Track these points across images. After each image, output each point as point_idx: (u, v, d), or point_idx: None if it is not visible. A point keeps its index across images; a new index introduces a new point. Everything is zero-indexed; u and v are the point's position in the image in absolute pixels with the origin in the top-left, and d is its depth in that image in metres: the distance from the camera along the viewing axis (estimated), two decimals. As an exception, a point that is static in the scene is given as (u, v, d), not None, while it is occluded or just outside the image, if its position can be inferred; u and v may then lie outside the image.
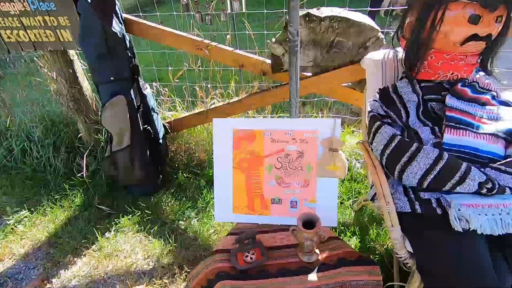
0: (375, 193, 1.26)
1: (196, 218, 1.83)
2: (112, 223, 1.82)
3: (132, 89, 1.81)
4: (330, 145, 1.22)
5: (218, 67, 1.94)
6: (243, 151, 1.28)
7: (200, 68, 1.89)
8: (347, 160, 1.21)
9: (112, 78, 1.70)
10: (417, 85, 1.27)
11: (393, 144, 1.12)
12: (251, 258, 1.15)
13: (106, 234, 1.76)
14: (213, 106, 1.92)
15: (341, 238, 1.23)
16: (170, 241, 1.68)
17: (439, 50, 1.17)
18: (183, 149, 2.11)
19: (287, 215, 1.29)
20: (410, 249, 1.07)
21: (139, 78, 1.83)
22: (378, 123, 1.18)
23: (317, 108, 2.44)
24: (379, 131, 1.17)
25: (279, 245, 1.22)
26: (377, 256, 1.49)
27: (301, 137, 1.24)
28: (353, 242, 1.55)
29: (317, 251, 1.16)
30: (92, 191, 2.01)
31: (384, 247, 1.54)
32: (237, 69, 1.86)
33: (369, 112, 1.24)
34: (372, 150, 1.24)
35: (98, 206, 1.92)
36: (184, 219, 1.83)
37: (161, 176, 2.06)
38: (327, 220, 1.27)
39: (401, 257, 1.09)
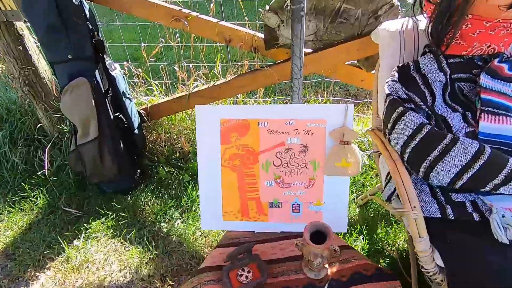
0: (393, 193, 1.06)
1: (180, 219, 1.60)
2: (82, 228, 1.56)
3: (97, 70, 1.50)
4: (341, 137, 1.00)
5: (201, 43, 1.64)
6: (234, 145, 1.04)
7: (179, 44, 1.59)
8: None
9: (70, 57, 1.39)
10: (444, 62, 1.05)
11: (421, 135, 0.90)
12: (246, 277, 0.94)
13: (75, 241, 1.51)
14: (196, 89, 1.65)
15: (353, 247, 1.03)
16: (151, 248, 1.45)
17: (477, 16, 0.94)
18: (163, 139, 1.84)
19: (288, 220, 1.08)
20: (440, 263, 0.88)
21: (105, 56, 1.52)
22: (400, 109, 0.95)
23: (312, 90, 2.21)
24: (401, 118, 0.94)
25: (280, 257, 1.02)
26: (387, 259, 1.33)
27: (305, 127, 1.01)
28: (360, 244, 1.38)
29: (326, 265, 0.96)
30: (57, 191, 1.73)
31: (395, 247, 1.37)
32: (223, 45, 1.58)
33: (388, 95, 1.01)
34: (390, 141, 1.02)
35: (65, 208, 1.65)
36: (167, 220, 1.60)
37: (138, 170, 1.80)
38: (335, 225, 1.07)
39: (428, 272, 0.90)
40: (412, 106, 1.00)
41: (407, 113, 0.93)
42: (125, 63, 1.70)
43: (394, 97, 1.00)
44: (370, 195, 1.53)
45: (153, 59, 1.64)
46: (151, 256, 1.43)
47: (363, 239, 1.41)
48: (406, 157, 0.96)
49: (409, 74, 1.06)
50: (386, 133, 1.05)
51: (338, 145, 1.00)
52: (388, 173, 1.12)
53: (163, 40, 1.60)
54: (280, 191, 1.06)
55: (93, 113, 1.49)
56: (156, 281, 1.32)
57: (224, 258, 0.99)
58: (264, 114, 1.01)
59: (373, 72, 1.61)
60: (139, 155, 1.82)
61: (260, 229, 1.09)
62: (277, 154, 1.03)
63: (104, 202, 1.69)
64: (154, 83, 1.74)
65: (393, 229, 1.44)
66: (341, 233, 1.38)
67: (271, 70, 1.46)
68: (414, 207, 0.89)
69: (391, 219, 1.48)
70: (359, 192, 1.64)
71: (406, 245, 1.37)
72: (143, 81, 1.74)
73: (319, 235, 0.91)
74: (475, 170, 0.83)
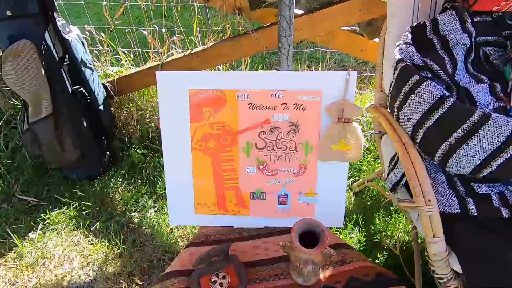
0: (398, 182, 0.88)
1: (153, 208, 1.41)
2: (39, 219, 1.36)
3: (47, 33, 1.24)
4: (339, 114, 0.80)
5: (175, 2, 1.39)
6: (207, 123, 0.83)
7: (149, 3, 1.33)
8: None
9: (9, 13, 1.13)
10: (469, 21, 0.85)
11: (441, 111, 0.71)
12: (221, 284, 0.77)
13: (30, 234, 1.31)
14: (170, 58, 1.41)
15: (350, 245, 0.87)
16: (118, 241, 1.27)
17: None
18: (135, 117, 1.62)
19: (273, 214, 0.90)
20: (457, 268, 0.72)
21: (55, 15, 1.26)
22: (415, 77, 0.76)
23: (304, 63, 1.98)
24: (416, 90, 0.75)
25: (263, 258, 0.84)
26: (386, 254, 1.18)
27: (295, 100, 0.81)
28: (356, 236, 1.22)
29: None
30: (13, 177, 1.51)
31: (395, 240, 1.22)
32: (201, 5, 1.33)
33: (399, 61, 0.81)
34: (398, 119, 0.83)
35: (20, 196, 1.44)
36: (138, 209, 1.41)
37: (107, 153, 1.58)
38: (330, 220, 0.90)
39: (441, 278, 0.75)
40: (429, 75, 0.81)
41: (424, 83, 0.74)
42: (85, 26, 1.44)
43: (407, 63, 0.80)
44: (367, 182, 1.36)
45: (117, 21, 1.38)
46: (119, 251, 1.25)
47: (359, 230, 1.25)
48: (419, 139, 0.78)
49: (426, 36, 0.86)
50: (394, 109, 0.85)
51: (336, 124, 0.80)
52: (393, 158, 0.94)
53: (129, -2, 1.34)
54: (264, 179, 0.87)
55: (44, 85, 1.25)
56: (123, 280, 1.14)
57: (196, 261, 0.81)
58: (244, 83, 0.80)
59: (376, 40, 1.40)
60: (107, 135, 1.59)
61: (240, 224, 0.91)
62: (261, 134, 0.84)
63: (67, 189, 1.48)
64: (121, 51, 1.48)
65: (392, 219, 1.28)
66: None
67: (258, 35, 1.23)
68: (429, 200, 0.71)
69: (391, 208, 1.33)
70: (355, 178, 1.47)
71: (408, 238, 1.22)
72: (108, 49, 1.49)
73: (310, 235, 0.73)
74: (509, 155, 0.66)
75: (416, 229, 0.96)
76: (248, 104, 0.81)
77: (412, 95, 0.76)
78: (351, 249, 0.87)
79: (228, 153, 0.85)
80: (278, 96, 0.80)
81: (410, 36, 0.84)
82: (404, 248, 1.19)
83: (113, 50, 1.51)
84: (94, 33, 1.43)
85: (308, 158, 0.85)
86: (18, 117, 1.57)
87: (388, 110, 0.95)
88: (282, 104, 0.81)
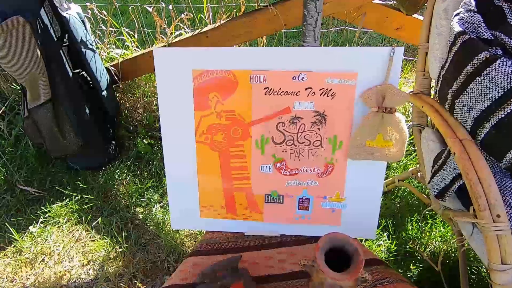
0: (447, 187, 0.72)
1: (159, 202, 1.31)
2: (40, 211, 1.28)
3: (43, 9, 1.13)
4: (379, 101, 0.64)
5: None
6: (214, 112, 0.69)
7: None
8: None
9: (-2, -14, 1.02)
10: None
11: (521, 100, 0.54)
12: (228, 304, 0.64)
13: (31, 228, 1.24)
14: (178, 38, 1.27)
15: (384, 262, 0.72)
16: (120, 239, 1.17)
17: None
18: (142, 104, 1.50)
19: (291, 221, 0.76)
20: (530, 303, 0.56)
21: (51, -11, 1.13)
22: (484, 54, 0.58)
23: (329, 43, 1.78)
24: (485, 71, 0.57)
25: (278, 273, 0.71)
26: (420, 266, 1.02)
27: (322, 84, 0.65)
28: (385, 244, 1.07)
29: None
30: (16, 166, 1.44)
31: (430, 248, 1.06)
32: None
33: (460, 34, 0.63)
34: (453, 108, 0.66)
35: (22, 187, 1.37)
36: (143, 204, 1.31)
37: (113, 143, 1.48)
38: (359, 230, 0.75)
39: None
40: (499, 52, 0.62)
41: (497, 62, 0.56)
42: (88, 4, 1.31)
43: (472, 36, 0.61)
44: (398, 181, 1.19)
45: (121, -2, 1.24)
46: (121, 249, 1.15)
47: (388, 237, 1.10)
48: (482, 135, 0.61)
49: (493, 3, 0.67)
50: (447, 96, 0.68)
51: (375, 114, 0.64)
52: (438, 156, 0.77)
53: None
54: (281, 180, 0.73)
55: (40, 68, 1.14)
56: (123, 285, 1.05)
57: (199, 274, 0.69)
58: (260, 62, 0.64)
59: (415, 16, 1.20)
60: (112, 123, 1.49)
61: (251, 231, 0.77)
62: (279, 125, 0.69)
63: (70, 180, 1.40)
64: (125, 32, 1.35)
65: (428, 225, 1.11)
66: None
67: (276, 10, 1.06)
68: (498, 216, 0.55)
69: (426, 212, 1.15)
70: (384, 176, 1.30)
71: (446, 248, 1.05)
72: (112, 29, 1.36)
73: (338, 252, 0.58)
74: None
75: (464, 244, 0.80)
76: (264, 89, 0.66)
77: (478, 78, 0.59)
78: (384, 266, 0.72)
79: (239, 148, 0.71)
80: (302, 78, 0.65)
81: (473, 2, 0.66)
82: (446, 262, 1.02)
83: (116, 30, 1.38)
84: (96, 11, 1.30)
85: (335, 156, 0.70)
86: (21, 103, 1.49)
87: (434, 99, 0.78)
88: (306, 88, 0.65)
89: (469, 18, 0.63)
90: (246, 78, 0.66)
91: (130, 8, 1.29)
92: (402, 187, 1.23)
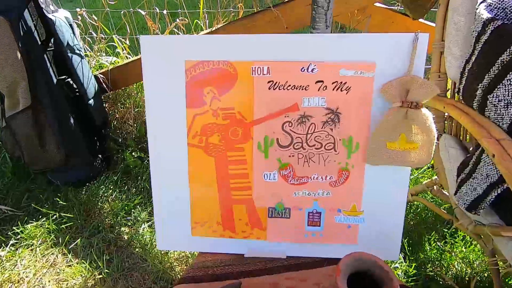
0: (481, 197, 0.62)
1: (147, 221, 1.18)
2: (11, 232, 1.14)
3: (27, 10, 1.05)
4: (402, 95, 0.55)
5: (178, -22, 1.19)
6: (209, 109, 0.60)
7: (149, -20, 1.14)
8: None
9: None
10: None
11: None
12: None
13: (0, 251, 1.09)
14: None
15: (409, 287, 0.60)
16: (101, 263, 1.03)
17: None
18: (132, 115, 1.40)
19: (300, 239, 0.64)
20: None
21: (37, -10, 1.07)
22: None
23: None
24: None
25: (286, 304, 0.58)
26: (444, 292, 0.89)
27: (335, 76, 0.56)
28: (401, 267, 0.95)
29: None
30: (-11, 181, 1.31)
31: (452, 271, 0.94)
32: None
33: (490, 21, 0.55)
34: (484, 106, 0.58)
35: (-6, 204, 1.23)
36: (129, 223, 1.18)
37: (100, 156, 1.37)
38: (380, 249, 0.63)
39: None
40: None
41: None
42: (77, 9, 1.25)
43: (505, 22, 0.54)
44: (411, 195, 1.08)
45: (112, 2, 1.18)
46: (101, 276, 1.01)
47: (404, 258, 0.98)
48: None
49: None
50: (476, 93, 0.60)
51: (397, 110, 0.55)
52: (465, 164, 0.68)
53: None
54: (288, 189, 0.62)
55: (21, 72, 1.05)
56: (101, 318, 0.90)
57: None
58: (263, 52, 0.56)
59: (421, 21, 1.15)
60: (99, 135, 1.38)
61: (253, 251, 0.65)
62: (285, 125, 0.59)
63: (49, 196, 1.27)
64: (117, 38, 1.28)
65: (448, 245, 1.00)
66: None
67: (278, 12, 1.00)
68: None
69: (444, 230, 1.04)
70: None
71: (471, 271, 0.93)
72: (102, 35, 1.29)
73: (362, 276, 0.47)
74: None
75: (499, 268, 0.68)
76: (268, 82, 0.57)
77: (517, 69, 0.51)
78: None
79: (239, 152, 0.61)
80: (312, 70, 0.56)
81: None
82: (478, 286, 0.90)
83: (107, 36, 1.31)
84: (86, 17, 1.23)
85: (351, 161, 0.60)
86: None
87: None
88: (316, 82, 0.56)
89: (499, 4, 0.56)
90: (247, 70, 0.57)
91: (122, 12, 1.23)
92: (416, 202, 1.13)
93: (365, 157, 0.59)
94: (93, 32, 1.30)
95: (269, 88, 0.57)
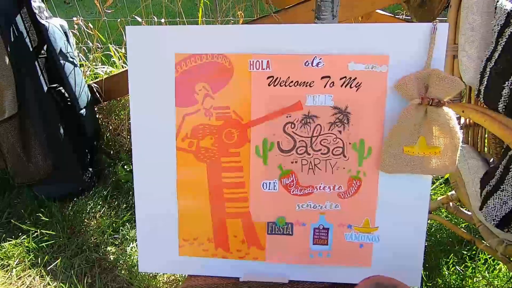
0: (511, 213, 0.53)
1: (135, 240, 1.07)
2: (-13, 251, 1.04)
3: (20, 16, 1.02)
4: (421, 91, 0.48)
5: (177, -13, 1.16)
6: (202, 108, 0.53)
7: (147, -12, 1.12)
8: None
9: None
10: None
11: None
12: None
13: (-29, 272, 0.99)
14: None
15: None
16: (80, 287, 0.92)
17: None
18: (126, 126, 1.34)
19: (305, 260, 0.55)
20: None
21: (31, -3, 1.04)
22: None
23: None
24: None
25: None
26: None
27: (344, 71, 0.50)
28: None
29: None
30: (-30, 194, 1.22)
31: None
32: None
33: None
34: (506, 109, 0.51)
35: (-28, 220, 1.14)
36: (116, 242, 1.08)
37: (90, 169, 1.29)
38: (399, 274, 0.54)
39: None
40: None
41: None
42: (74, 18, 1.22)
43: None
44: (431, 213, 0.99)
45: (109, 11, 1.16)
46: (80, 302, 0.90)
47: (421, 285, 0.87)
48: None
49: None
50: (505, 92, 0.53)
51: (415, 109, 0.48)
52: (489, 175, 0.60)
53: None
54: (290, 201, 0.54)
55: (7, 78, 1.00)
56: None
57: None
58: (262, 44, 0.50)
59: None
60: (91, 148, 1.31)
61: (249, 274, 0.56)
62: (287, 127, 0.52)
63: (32, 212, 1.18)
64: (113, 48, 1.25)
65: (469, 269, 0.89)
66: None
67: (280, 18, 0.96)
68: None
69: (464, 252, 0.94)
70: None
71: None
72: (98, 45, 1.26)
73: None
74: None
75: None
76: (268, 78, 0.51)
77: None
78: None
79: (234, 158, 0.53)
80: (317, 64, 0.50)
81: (522, -21, 0.54)
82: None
83: (104, 46, 1.28)
84: (83, 26, 1.20)
85: (363, 169, 0.52)
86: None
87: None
88: (322, 77, 0.50)
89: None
90: (244, 64, 0.51)
91: (118, 20, 1.20)
92: (429, 221, 1.03)
93: (379, 164, 0.51)
94: (89, 41, 1.27)
95: (269, 85, 0.51)
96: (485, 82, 0.59)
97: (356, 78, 0.50)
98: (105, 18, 1.21)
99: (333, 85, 0.50)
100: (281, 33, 0.50)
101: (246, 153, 0.53)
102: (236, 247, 0.56)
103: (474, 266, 0.90)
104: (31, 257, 1.03)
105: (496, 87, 0.55)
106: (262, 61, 0.50)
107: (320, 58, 0.49)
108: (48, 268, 0.99)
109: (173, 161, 0.54)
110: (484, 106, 0.62)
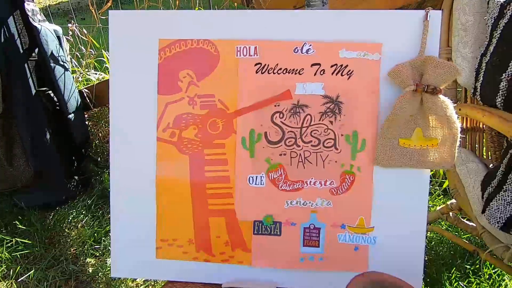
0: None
1: (119, 252, 1.01)
2: (-44, 261, 0.97)
3: (12, 18, 1.01)
4: (415, 78, 0.46)
5: (173, -6, 1.18)
6: (185, 97, 0.50)
7: (143, -5, 1.13)
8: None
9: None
10: None
11: None
12: None
13: None
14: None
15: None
16: (54, 302, 0.84)
17: None
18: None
19: (294, 264, 0.50)
20: None
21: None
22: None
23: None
24: None
25: None
26: None
27: (335, 59, 0.48)
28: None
29: None
30: None
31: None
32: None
33: (508, 3, 0.49)
34: (510, 101, 0.48)
35: None
36: (97, 254, 1.01)
37: (76, 177, 1.24)
38: (403, 271, 0.48)
39: None
40: None
41: None
42: (69, 25, 1.22)
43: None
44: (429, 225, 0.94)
45: (104, 17, 1.16)
46: (51, 318, 0.82)
47: (422, 301, 0.80)
48: None
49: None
50: (502, 85, 0.51)
51: (411, 96, 0.45)
52: (491, 176, 0.57)
53: (119, -12, 1.13)
54: (278, 198, 0.50)
55: (-6, 78, 0.97)
56: None
57: None
58: (250, 30, 0.48)
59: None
60: (79, 155, 1.26)
61: (233, 281, 0.51)
62: (275, 116, 0.49)
63: (10, 220, 1.11)
64: (107, 54, 1.24)
65: (473, 285, 0.83)
66: None
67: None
68: None
69: (466, 266, 0.88)
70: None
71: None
72: (91, 51, 1.25)
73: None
74: None
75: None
76: (256, 65, 0.48)
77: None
78: None
79: (219, 150, 0.50)
80: (307, 51, 0.48)
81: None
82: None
83: (97, 52, 1.27)
84: (77, 31, 1.20)
85: (357, 163, 0.49)
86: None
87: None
88: (312, 65, 0.48)
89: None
90: (231, 51, 0.49)
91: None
92: (428, 234, 0.98)
93: (373, 158, 0.48)
94: (82, 47, 1.26)
95: (257, 72, 0.48)
96: (481, 79, 0.57)
97: (347, 66, 0.47)
98: (100, 25, 1.21)
99: (323, 73, 0.48)
100: (270, 19, 0.48)
101: (232, 145, 0.49)
102: (219, 249, 0.51)
103: (478, 281, 0.84)
104: (2, 268, 0.96)
105: (493, 81, 0.53)
106: (249, 48, 0.48)
107: (310, 45, 0.47)
108: (19, 280, 0.91)
109: (152, 153, 0.50)
110: (481, 104, 0.60)
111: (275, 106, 0.49)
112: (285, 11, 0.48)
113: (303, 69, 0.48)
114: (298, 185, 0.49)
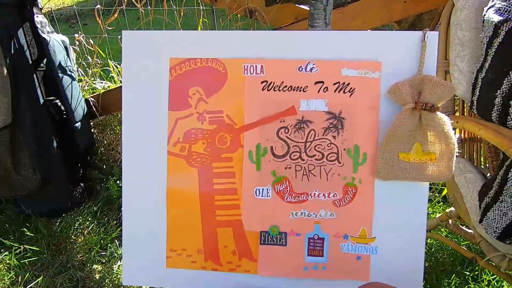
0: (509, 226, 0.51)
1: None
2: (-35, 268, 0.99)
3: (22, 30, 1.04)
4: (414, 96, 0.48)
5: (177, 6, 1.20)
6: (195, 113, 0.52)
7: (148, 7, 1.15)
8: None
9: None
10: None
11: None
12: None
13: None
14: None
15: None
16: (62, 308, 0.86)
17: None
18: (121, 141, 1.32)
19: (299, 273, 0.52)
20: None
21: (35, 10, 1.07)
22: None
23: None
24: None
25: None
26: None
27: (337, 77, 0.50)
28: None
29: None
30: (-46, 208, 1.18)
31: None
32: (208, 7, 1.13)
33: (502, 22, 0.51)
34: (507, 115, 0.51)
35: (-48, 235, 1.09)
36: (104, 260, 1.02)
37: (81, 185, 1.26)
38: (403, 280, 0.51)
39: None
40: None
41: None
42: (76, 35, 1.25)
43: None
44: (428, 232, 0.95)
45: (110, 28, 1.19)
46: (60, 324, 0.84)
47: (423, 307, 0.82)
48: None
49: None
50: (497, 100, 0.53)
51: (410, 114, 0.48)
52: (487, 186, 0.59)
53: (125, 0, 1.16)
54: (284, 209, 0.52)
55: (4, 89, 1.00)
56: None
57: None
58: (256, 49, 0.51)
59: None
60: (84, 162, 1.29)
61: (240, 289, 0.53)
62: (281, 132, 0.51)
63: (17, 228, 1.13)
64: (112, 64, 1.27)
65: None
66: None
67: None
68: None
69: (466, 273, 0.90)
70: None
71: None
72: (98, 61, 1.28)
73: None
74: None
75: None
76: (262, 83, 0.51)
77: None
78: None
79: (226, 163, 0.52)
80: (311, 69, 0.50)
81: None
82: None
83: (103, 62, 1.30)
84: (83, 41, 1.23)
85: (358, 175, 0.51)
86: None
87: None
88: (316, 83, 0.50)
89: (509, 7, 0.53)
90: (238, 69, 0.51)
91: (119, 37, 1.23)
92: (428, 241, 1.00)
93: (375, 171, 0.50)
94: (88, 57, 1.29)
95: (263, 89, 0.51)
96: (477, 93, 0.59)
97: (349, 83, 0.50)
98: (106, 35, 1.24)
99: (326, 90, 0.50)
100: (275, 39, 0.50)
101: (239, 159, 0.52)
102: (227, 259, 0.53)
103: (477, 286, 0.86)
104: (11, 275, 0.98)
105: (488, 97, 0.55)
106: (256, 66, 0.51)
107: (314, 64, 0.50)
108: (28, 287, 0.93)
109: (163, 167, 0.52)
110: (478, 117, 0.62)
111: (281, 121, 0.51)
112: (290, 31, 0.50)
113: (307, 86, 0.50)
114: (303, 197, 0.51)
